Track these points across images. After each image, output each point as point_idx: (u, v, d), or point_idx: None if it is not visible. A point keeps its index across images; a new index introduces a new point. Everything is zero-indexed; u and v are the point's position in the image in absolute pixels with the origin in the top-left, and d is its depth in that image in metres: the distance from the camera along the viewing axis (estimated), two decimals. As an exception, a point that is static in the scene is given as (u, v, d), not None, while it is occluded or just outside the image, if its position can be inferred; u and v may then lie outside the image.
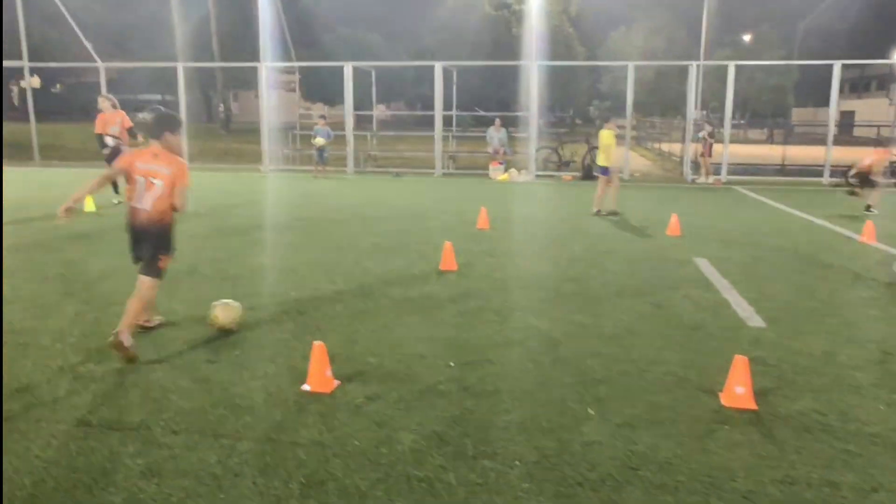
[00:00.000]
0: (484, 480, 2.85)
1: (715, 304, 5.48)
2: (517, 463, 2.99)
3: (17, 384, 3.77)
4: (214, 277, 6.24)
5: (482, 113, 26.24)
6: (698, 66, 15.77)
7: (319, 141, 15.42)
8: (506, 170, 16.43)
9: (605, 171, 10.39)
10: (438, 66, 16.67)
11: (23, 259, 6.91)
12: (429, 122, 25.22)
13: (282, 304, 5.35)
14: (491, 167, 16.58)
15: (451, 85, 20.08)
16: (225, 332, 4.59)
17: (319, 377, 3.74)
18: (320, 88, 31.01)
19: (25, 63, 17.49)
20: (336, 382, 3.79)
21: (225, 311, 4.64)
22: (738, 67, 15.59)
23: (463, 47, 36.19)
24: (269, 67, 17.36)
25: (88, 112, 30.31)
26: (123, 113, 10.27)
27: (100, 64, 17.80)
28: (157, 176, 4.26)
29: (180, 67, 17.32)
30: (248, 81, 44.18)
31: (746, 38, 45.03)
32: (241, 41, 32.39)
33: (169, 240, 4.42)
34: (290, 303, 5.39)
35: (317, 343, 3.81)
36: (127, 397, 3.62)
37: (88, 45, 17.54)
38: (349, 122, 16.95)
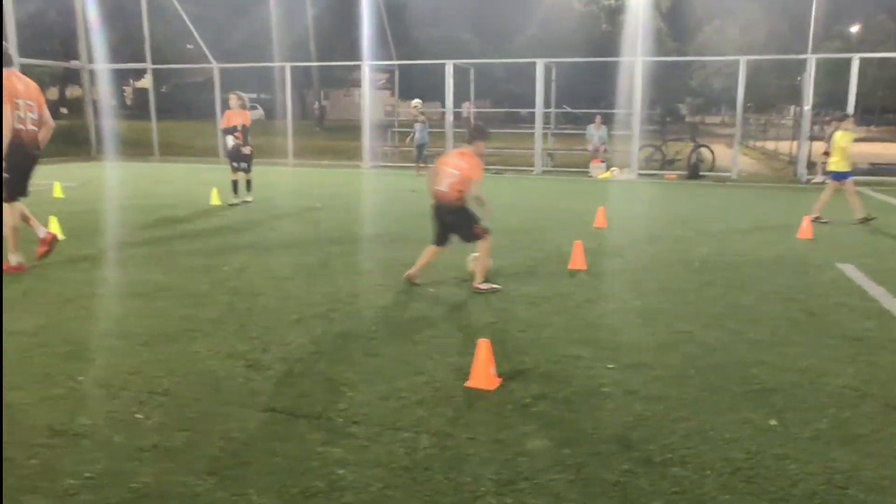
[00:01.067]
0: (680, 489, 2.77)
1: (877, 314, 5.14)
2: (709, 472, 2.89)
3: (196, 369, 3.98)
4: (347, 272, 6.40)
5: (569, 110, 25.84)
6: (815, 59, 14.82)
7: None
8: (607, 168, 16.10)
9: (839, 175, 9.30)
10: (540, 63, 16.51)
11: (166, 251, 7.32)
12: (518, 120, 24.88)
13: (424, 301, 5.42)
14: (591, 165, 16.29)
15: (544, 82, 19.82)
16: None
17: (484, 374, 3.76)
18: (412, 86, 31.32)
19: (149, 65, 18.72)
20: (499, 380, 3.80)
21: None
22: (850, 61, 14.51)
23: (553, 45, 35.78)
24: (370, 66, 17.70)
25: (191, 110, 32.02)
26: (248, 114, 10.40)
27: (214, 65, 18.70)
28: (455, 167, 5.61)
29: (287, 67, 17.97)
30: (338, 80, 45.48)
31: (853, 29, 42.22)
32: (337, 41, 33.26)
33: (469, 214, 5.71)
34: (431, 298, 5.46)
35: (482, 340, 3.83)
36: (300, 386, 3.75)
37: (204, 48, 18.46)
38: (449, 119, 17.06)
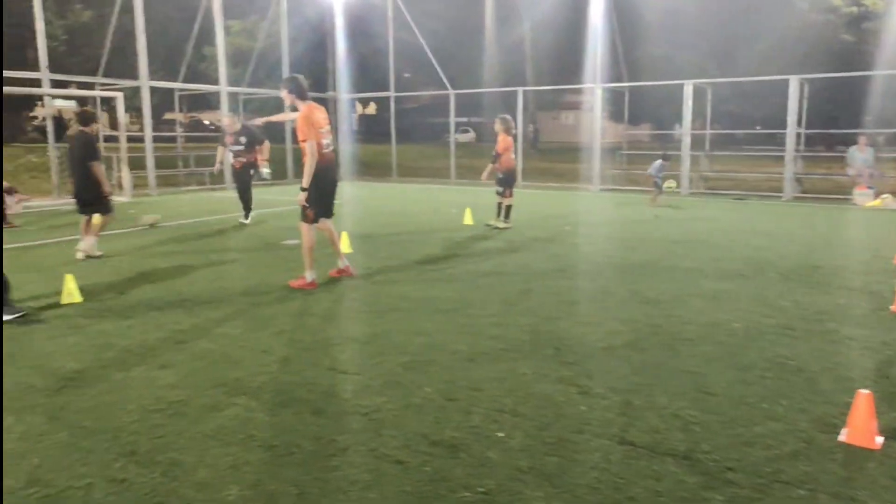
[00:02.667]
0: None
1: None
2: None
3: (533, 392, 3.99)
4: (633, 300, 6.19)
5: (804, 131, 23.24)
6: None
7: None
8: (876, 195, 14.20)
9: None
10: (794, 80, 15.11)
11: (448, 268, 7.67)
12: (737, 141, 22.73)
13: (733, 337, 5.03)
14: (856, 192, 14.47)
15: (798, 101, 18.09)
16: None
17: (865, 430, 3.32)
18: (637, 108, 30.43)
19: (392, 93, 20.39)
20: (881, 439, 3.34)
21: None
22: None
23: (786, 60, 32.76)
24: (602, 89, 17.50)
25: (408, 135, 34.20)
26: (503, 137, 10.12)
27: (450, 91, 19.80)
28: None
29: (520, 92, 18.39)
30: (549, 103, 45.85)
31: None
32: (550, 64, 33.54)
33: None
34: (737, 334, 5.06)
35: (862, 392, 3.40)
36: (648, 420, 3.59)
37: (443, 76, 19.63)
38: (686, 141, 16.26)
